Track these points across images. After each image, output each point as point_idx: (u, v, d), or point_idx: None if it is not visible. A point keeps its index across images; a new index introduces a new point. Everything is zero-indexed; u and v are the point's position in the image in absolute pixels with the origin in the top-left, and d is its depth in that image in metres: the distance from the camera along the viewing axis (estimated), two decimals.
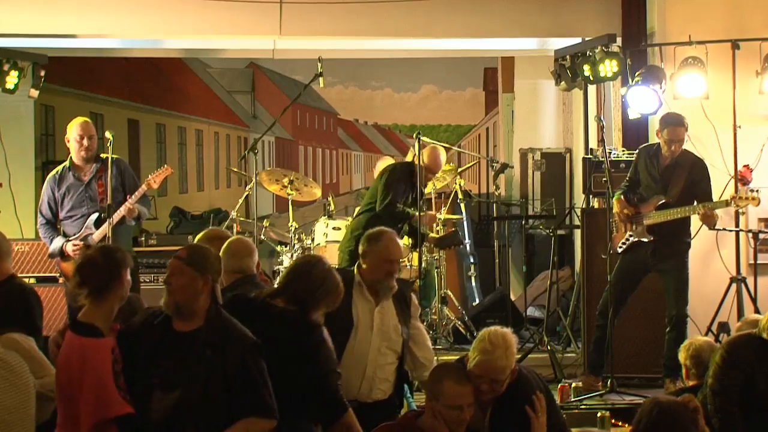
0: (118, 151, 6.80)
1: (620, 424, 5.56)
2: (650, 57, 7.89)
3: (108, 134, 6.63)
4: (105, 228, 6.57)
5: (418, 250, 7.57)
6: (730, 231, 7.36)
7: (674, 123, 6.63)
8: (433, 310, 8.19)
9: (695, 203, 6.51)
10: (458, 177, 9.06)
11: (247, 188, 8.62)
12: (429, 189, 8.65)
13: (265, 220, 8.72)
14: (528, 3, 8.34)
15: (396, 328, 5.06)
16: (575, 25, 8.31)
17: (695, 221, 6.65)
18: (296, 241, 8.39)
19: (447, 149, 8.40)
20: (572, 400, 6.47)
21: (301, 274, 4.43)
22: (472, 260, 9.28)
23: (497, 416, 4.23)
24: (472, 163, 11.61)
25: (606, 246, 6.77)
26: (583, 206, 7.80)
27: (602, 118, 7.10)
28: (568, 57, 7.94)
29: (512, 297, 8.90)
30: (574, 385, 6.65)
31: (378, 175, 7.87)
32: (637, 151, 7.07)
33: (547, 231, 8.75)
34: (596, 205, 7.88)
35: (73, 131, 6.75)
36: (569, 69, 7.92)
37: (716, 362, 4.78)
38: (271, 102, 18.03)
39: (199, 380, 3.79)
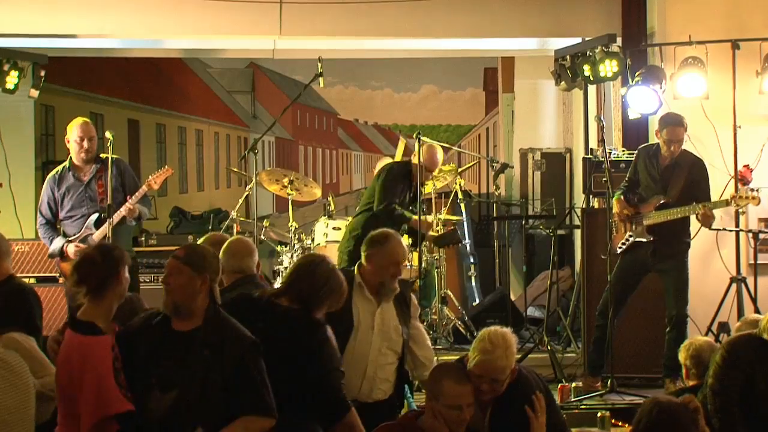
0: (118, 151, 6.80)
1: (620, 424, 5.56)
2: (650, 57, 7.89)
3: (108, 134, 6.63)
4: (105, 228, 6.57)
5: (418, 250, 7.57)
6: (731, 231, 7.36)
7: (673, 123, 6.64)
8: (433, 310, 8.19)
9: (694, 203, 6.51)
10: (458, 177, 9.06)
11: (247, 188, 8.62)
12: (429, 189, 8.64)
13: (265, 220, 8.72)
14: (528, 3, 8.34)
15: (396, 329, 5.06)
16: (575, 25, 8.31)
17: (695, 221, 6.65)
18: (296, 241, 8.39)
19: (447, 149, 8.41)
20: (572, 400, 6.47)
21: (305, 272, 4.43)
22: (472, 260, 9.28)
23: (497, 416, 4.23)
24: (472, 163, 11.59)
25: (606, 246, 6.77)
26: (583, 206, 7.80)
27: (602, 118, 7.10)
28: (568, 57, 7.94)
29: (512, 297, 8.90)
30: (574, 385, 6.65)
31: (375, 175, 7.88)
32: (636, 151, 7.07)
33: (547, 231, 8.75)
34: (596, 205, 7.88)
35: (73, 132, 6.74)
36: (569, 69, 7.91)
37: (716, 362, 4.78)
38: (271, 102, 18.02)
39: (196, 380, 3.79)
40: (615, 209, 6.77)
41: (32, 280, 8.00)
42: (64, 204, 6.79)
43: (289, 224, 8.44)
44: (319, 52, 7.91)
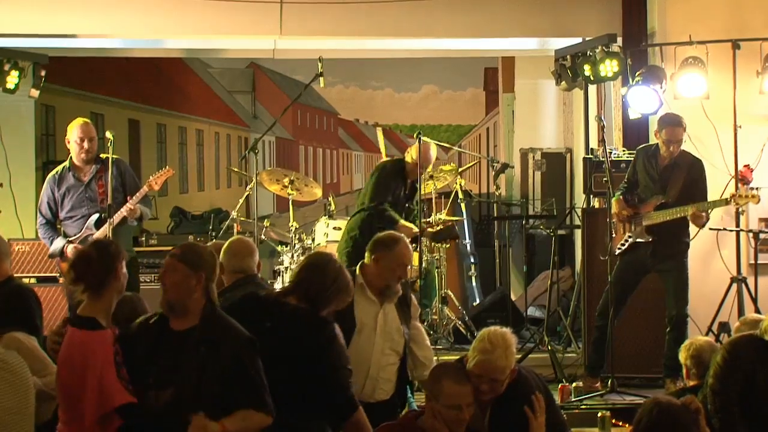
0: (118, 151, 6.81)
1: (621, 424, 5.55)
2: (651, 57, 7.89)
3: (108, 134, 6.63)
4: (105, 228, 6.57)
5: (418, 249, 7.56)
6: (731, 231, 7.36)
7: (672, 123, 6.64)
8: (434, 310, 8.19)
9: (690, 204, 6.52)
10: (459, 177, 9.05)
11: (247, 188, 8.62)
12: (430, 189, 8.64)
13: (265, 220, 8.72)
14: (529, 3, 8.33)
15: (398, 329, 5.08)
16: (576, 25, 8.31)
17: None
18: (297, 241, 8.39)
19: (447, 149, 8.42)
20: (573, 400, 6.47)
21: (313, 271, 4.42)
22: (472, 260, 9.28)
23: (497, 416, 4.23)
24: (473, 163, 11.59)
25: (605, 247, 6.77)
26: (584, 206, 7.80)
27: (603, 118, 7.11)
28: (568, 57, 7.94)
29: (513, 297, 8.90)
30: (574, 385, 6.65)
31: (370, 174, 7.89)
32: (635, 151, 7.07)
33: (548, 231, 8.75)
34: (597, 205, 7.88)
35: (73, 133, 6.75)
36: (570, 69, 7.91)
37: (717, 362, 4.78)
38: (271, 102, 18.03)
39: (192, 378, 3.79)
40: (614, 210, 6.77)
41: (32, 280, 8.02)
42: (65, 204, 6.79)
43: (290, 224, 8.44)
44: (319, 52, 7.91)
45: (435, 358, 5.47)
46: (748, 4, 7.77)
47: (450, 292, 8.37)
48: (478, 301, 9.02)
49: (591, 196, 7.86)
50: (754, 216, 7.60)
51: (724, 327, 6.96)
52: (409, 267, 5.17)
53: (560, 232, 8.72)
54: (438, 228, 8.13)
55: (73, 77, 13.14)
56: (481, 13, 8.34)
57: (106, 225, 6.55)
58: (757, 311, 6.75)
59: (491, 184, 9.97)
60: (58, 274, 7.27)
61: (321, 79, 7.77)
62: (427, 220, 8.14)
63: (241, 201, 8.66)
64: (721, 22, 7.66)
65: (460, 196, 9.11)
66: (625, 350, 7.04)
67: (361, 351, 4.88)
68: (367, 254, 5.10)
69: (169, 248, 4.13)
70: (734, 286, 7.11)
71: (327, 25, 8.25)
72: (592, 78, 7.73)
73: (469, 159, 12.28)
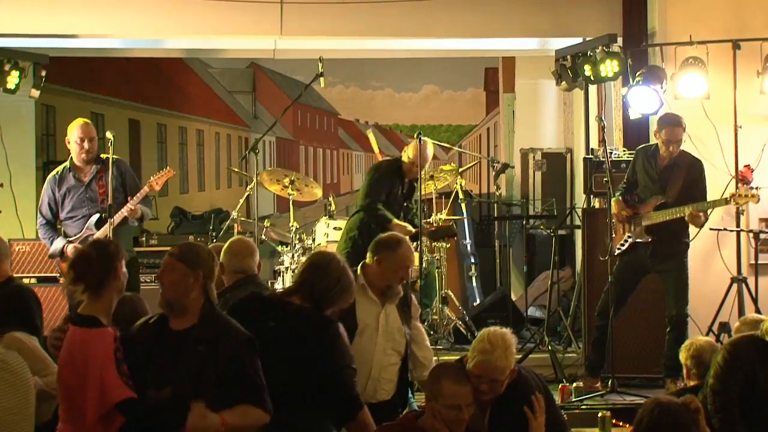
0: (119, 151, 6.80)
1: (621, 424, 5.55)
2: (651, 57, 7.89)
3: (109, 134, 6.63)
4: (106, 228, 6.57)
5: (418, 249, 7.56)
6: (731, 231, 7.36)
7: (672, 123, 6.64)
8: (434, 310, 8.19)
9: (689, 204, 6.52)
10: (459, 177, 9.05)
11: (248, 188, 8.62)
12: (430, 189, 8.64)
13: (266, 220, 8.72)
14: (529, 3, 8.33)
15: (400, 330, 5.09)
16: (576, 25, 8.31)
17: None
18: (297, 241, 8.39)
19: (448, 149, 8.43)
20: (573, 400, 6.47)
21: (317, 271, 4.42)
22: (472, 260, 9.28)
23: (497, 416, 4.23)
24: (473, 163, 11.61)
25: (605, 248, 6.77)
26: (584, 206, 7.80)
27: (603, 118, 7.10)
28: (569, 57, 7.93)
29: (513, 297, 8.91)
30: (575, 385, 6.65)
31: (365, 174, 7.89)
32: (635, 151, 7.08)
33: (548, 231, 8.75)
34: (597, 205, 7.88)
35: (73, 133, 6.75)
36: (570, 69, 7.91)
37: (718, 362, 4.78)
38: (271, 102, 18.05)
39: (190, 376, 3.78)
40: (613, 210, 6.77)
41: (33, 280, 8.02)
42: (65, 204, 6.79)
43: (290, 224, 8.44)
44: (319, 52, 7.91)
45: (435, 358, 5.48)
46: (748, 4, 7.77)
47: (450, 292, 8.37)
48: (478, 301, 9.02)
49: (591, 197, 7.86)
50: (755, 216, 7.60)
51: (725, 327, 6.96)
52: (411, 268, 5.17)
53: (560, 232, 8.72)
54: (436, 227, 8.13)
55: (73, 77, 13.15)
56: (481, 13, 8.34)
57: (107, 225, 6.55)
58: (758, 311, 6.75)
59: (492, 184, 9.97)
60: (58, 275, 7.27)
61: (321, 79, 7.77)
62: (428, 220, 8.14)
63: (241, 201, 8.67)
64: (722, 22, 7.66)
65: (461, 196, 9.11)
66: (625, 350, 7.03)
67: (363, 351, 4.88)
68: (369, 255, 5.10)
69: (170, 248, 4.13)
70: (734, 286, 7.11)
71: (327, 25, 8.24)
72: (592, 78, 7.72)
73: (470, 159, 12.29)
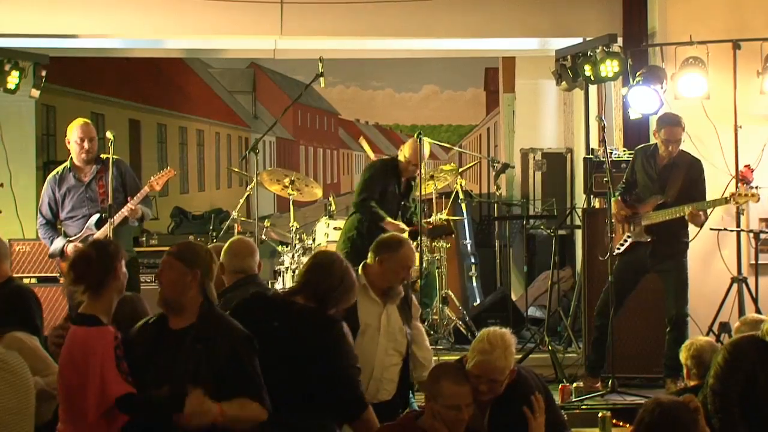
0: (119, 151, 6.81)
1: (621, 424, 5.55)
2: (651, 57, 7.89)
3: (109, 134, 6.63)
4: (106, 228, 6.57)
5: (418, 249, 7.56)
6: (732, 231, 7.36)
7: (671, 123, 6.64)
8: (434, 310, 8.19)
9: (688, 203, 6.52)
10: (459, 177, 9.05)
11: (248, 188, 8.62)
12: (430, 189, 8.64)
13: (266, 220, 8.72)
14: (529, 3, 8.33)
15: (401, 330, 5.09)
16: (576, 25, 8.31)
17: None
18: (297, 241, 8.39)
19: (448, 149, 8.42)
20: (573, 400, 6.47)
21: (320, 270, 4.41)
22: (473, 260, 9.28)
23: (496, 417, 4.23)
24: (473, 163, 11.60)
25: (605, 248, 6.77)
26: (584, 206, 7.80)
27: (603, 118, 7.10)
28: (569, 57, 7.93)
29: (513, 297, 8.90)
30: (575, 385, 6.65)
31: (361, 172, 7.90)
32: (634, 151, 7.08)
33: (548, 231, 8.75)
34: (597, 205, 7.87)
35: (73, 133, 6.75)
36: (570, 69, 7.91)
37: (718, 363, 4.78)
38: (272, 102, 18.05)
39: (189, 374, 3.78)
40: (613, 210, 6.76)
41: (33, 280, 8.02)
42: (65, 204, 6.79)
43: (290, 224, 8.44)
44: (320, 52, 7.91)
45: (435, 358, 5.48)
46: (748, 4, 7.77)
47: (450, 292, 8.37)
48: (478, 301, 9.02)
49: (591, 197, 7.86)
50: (755, 216, 7.59)
51: (725, 327, 6.96)
52: (412, 268, 5.17)
53: (561, 232, 8.72)
54: (433, 225, 8.13)
55: (73, 77, 13.15)
56: (481, 13, 8.34)
57: (107, 225, 6.55)
58: (758, 311, 6.75)
59: (492, 185, 9.97)
60: (59, 275, 7.27)
61: (322, 79, 7.77)
62: (427, 219, 8.14)
63: (241, 201, 8.67)
64: (722, 22, 7.66)
65: (461, 196, 9.11)
66: (625, 350, 7.03)
67: (365, 352, 4.88)
68: (370, 255, 5.10)
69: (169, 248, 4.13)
70: (735, 286, 7.10)
71: (327, 25, 8.25)
72: (592, 78, 7.72)
73: (470, 159, 12.29)
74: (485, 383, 4.14)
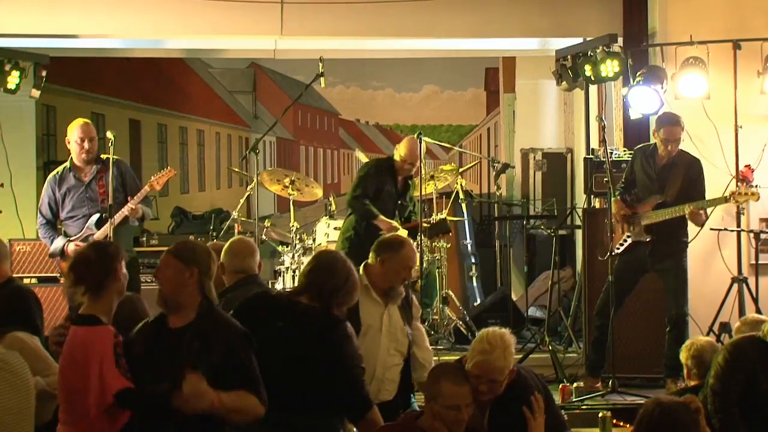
0: (119, 151, 6.81)
1: (622, 424, 5.55)
2: (651, 57, 7.89)
3: (109, 134, 6.64)
4: (107, 228, 6.57)
5: (418, 249, 7.56)
6: (732, 231, 7.36)
7: (670, 122, 6.65)
8: (435, 311, 8.18)
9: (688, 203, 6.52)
10: (460, 177, 9.05)
11: (248, 188, 8.63)
12: (431, 189, 8.64)
13: (266, 220, 8.72)
14: (529, 3, 8.34)
15: (403, 330, 5.09)
16: (576, 25, 8.31)
17: None
18: (297, 242, 8.39)
19: (448, 149, 8.41)
20: (574, 400, 6.47)
21: (325, 270, 4.38)
22: (473, 260, 9.28)
23: (496, 417, 4.22)
24: (474, 163, 11.58)
25: (604, 248, 6.77)
26: (585, 206, 7.80)
27: (603, 118, 7.11)
28: (569, 57, 7.93)
29: (513, 297, 8.90)
30: (575, 385, 6.65)
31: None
32: (633, 151, 7.08)
33: (549, 231, 8.75)
34: (597, 205, 7.87)
35: (73, 133, 6.75)
36: (570, 69, 7.91)
37: (719, 363, 4.78)
38: (272, 102, 18.04)
39: (179, 373, 3.78)
40: (612, 210, 6.77)
41: (33, 281, 8.02)
42: (65, 204, 6.79)
43: (291, 224, 8.44)
44: (320, 52, 7.91)
45: (436, 358, 5.47)
46: (748, 4, 7.77)
47: (451, 293, 8.37)
48: (478, 301, 9.02)
49: (592, 197, 7.86)
50: (755, 216, 7.59)
51: (725, 327, 6.96)
52: (413, 269, 5.17)
53: (561, 232, 8.72)
54: (429, 223, 8.12)
55: (73, 77, 13.15)
56: (481, 13, 8.35)
57: (107, 225, 6.56)
58: (758, 311, 6.75)
59: (492, 185, 9.97)
60: (59, 275, 7.27)
61: (322, 79, 7.77)
62: (427, 219, 8.14)
63: (241, 201, 8.67)
64: (722, 23, 7.66)
65: (461, 196, 9.10)
66: (626, 350, 7.03)
67: (367, 352, 4.85)
68: (371, 255, 5.10)
69: None
70: (735, 286, 7.10)
71: (328, 25, 8.25)
72: (592, 78, 7.72)
73: (470, 159, 12.28)
74: (485, 383, 4.13)
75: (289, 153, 19.61)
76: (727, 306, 7.08)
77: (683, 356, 5.38)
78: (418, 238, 7.29)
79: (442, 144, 10.59)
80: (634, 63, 7.63)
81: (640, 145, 7.02)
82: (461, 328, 8.07)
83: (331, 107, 19.06)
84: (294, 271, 8.15)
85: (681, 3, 7.82)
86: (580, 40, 8.05)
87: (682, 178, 6.62)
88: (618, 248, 6.75)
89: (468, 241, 9.30)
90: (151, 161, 15.55)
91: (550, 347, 7.52)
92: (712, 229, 7.29)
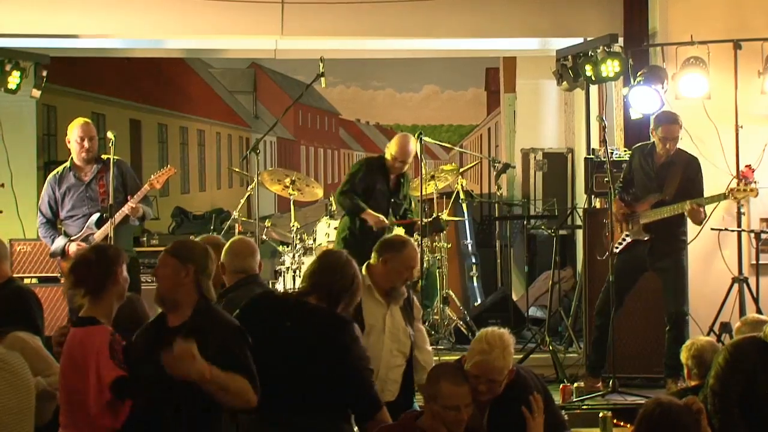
0: (119, 151, 6.81)
1: (622, 424, 5.54)
2: (652, 57, 7.88)
3: (110, 134, 6.64)
4: (107, 228, 6.57)
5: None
6: (732, 231, 7.35)
7: (668, 121, 6.65)
8: (435, 311, 8.18)
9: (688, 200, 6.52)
10: (460, 177, 9.05)
11: (248, 188, 8.62)
12: (431, 189, 8.63)
13: (266, 220, 8.71)
14: (530, 3, 8.33)
15: (405, 331, 5.09)
16: (577, 25, 8.31)
17: None
18: (298, 241, 8.39)
19: (448, 149, 8.41)
20: (574, 400, 6.47)
21: (333, 270, 4.36)
22: (473, 260, 9.28)
23: (495, 417, 4.22)
24: (474, 163, 11.60)
25: (603, 249, 6.76)
26: (585, 206, 7.80)
27: (604, 118, 7.11)
28: (570, 57, 7.93)
29: (514, 297, 8.90)
30: (576, 385, 6.65)
31: None
32: (631, 150, 7.08)
33: (549, 231, 8.75)
34: (598, 205, 7.87)
35: (73, 132, 6.76)
36: (571, 69, 7.91)
37: (719, 363, 4.78)
38: (272, 102, 18.06)
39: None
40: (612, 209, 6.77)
41: (34, 281, 8.02)
42: (65, 203, 6.79)
43: (291, 224, 8.44)
44: (321, 52, 7.90)
45: (436, 358, 5.47)
46: (749, 4, 7.77)
47: (451, 293, 8.37)
48: (479, 301, 9.02)
49: (592, 197, 7.86)
50: (756, 216, 7.59)
51: (726, 327, 6.95)
52: (415, 269, 5.16)
53: (561, 232, 8.71)
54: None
55: (74, 77, 13.16)
56: (482, 13, 8.34)
57: (107, 224, 6.56)
58: (759, 311, 6.74)
59: (493, 185, 9.96)
60: (59, 275, 7.27)
61: (322, 79, 7.76)
62: (427, 219, 8.13)
63: (242, 201, 8.68)
64: (723, 22, 7.65)
65: (462, 196, 9.10)
66: (626, 350, 7.03)
67: (371, 352, 4.82)
68: (374, 255, 5.10)
69: None
70: (736, 286, 7.10)
71: (328, 25, 8.25)
72: (593, 78, 7.72)
73: (471, 159, 12.29)
74: (484, 383, 4.13)
75: (289, 153, 19.62)
76: (727, 306, 7.08)
77: (684, 356, 5.38)
78: (419, 238, 7.29)
79: (443, 144, 10.59)
80: (635, 63, 7.63)
81: (638, 144, 7.02)
82: (462, 328, 8.07)
83: (332, 107, 19.08)
84: (294, 272, 8.15)
85: (681, 3, 7.82)
86: (580, 40, 8.05)
87: (681, 177, 6.62)
88: (617, 247, 6.75)
89: (468, 241, 9.30)
90: (151, 161, 15.56)
91: (551, 347, 7.52)
92: (712, 229, 7.29)
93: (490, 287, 9.35)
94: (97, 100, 14.43)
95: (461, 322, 8.11)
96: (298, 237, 8.43)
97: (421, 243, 7.42)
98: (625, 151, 7.72)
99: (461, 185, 9.07)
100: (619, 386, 6.53)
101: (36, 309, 5.14)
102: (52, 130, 12.56)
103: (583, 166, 8.22)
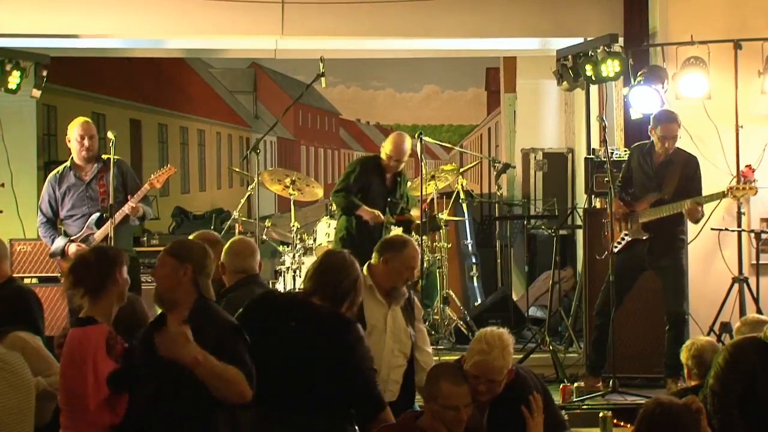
0: (120, 151, 6.81)
1: (622, 424, 5.54)
2: (652, 57, 7.89)
3: (110, 134, 6.64)
4: (107, 228, 6.57)
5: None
6: (733, 231, 7.35)
7: (667, 120, 6.65)
8: (435, 311, 8.18)
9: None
10: (460, 177, 9.05)
11: (249, 188, 8.62)
12: (431, 189, 8.63)
13: (267, 220, 8.72)
14: (530, 3, 8.33)
15: (406, 331, 5.09)
16: (577, 25, 8.31)
17: None
18: (298, 241, 8.39)
19: (449, 149, 8.40)
20: (574, 400, 6.46)
21: (337, 270, 4.35)
22: (474, 260, 9.28)
23: (495, 417, 4.22)
24: (474, 163, 11.59)
25: (602, 249, 6.76)
26: (585, 206, 7.80)
27: (604, 118, 7.11)
28: (570, 57, 7.93)
29: (514, 297, 8.90)
30: (576, 385, 6.64)
31: None
32: (630, 149, 7.08)
33: (549, 231, 8.75)
34: (598, 205, 7.87)
35: (73, 131, 6.76)
36: (571, 69, 7.91)
37: (719, 363, 4.78)
38: (273, 102, 18.05)
39: (176, 368, 3.78)
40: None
41: (34, 280, 8.03)
42: (65, 203, 6.80)
43: (291, 224, 8.44)
44: (321, 52, 7.90)
45: (436, 358, 5.46)
46: (749, 4, 7.77)
47: (451, 293, 8.37)
48: (479, 301, 9.02)
49: (592, 196, 7.86)
50: (756, 216, 7.60)
51: (726, 327, 6.95)
52: (416, 269, 5.16)
53: (562, 232, 8.71)
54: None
55: (74, 77, 13.16)
56: (482, 13, 8.34)
57: (108, 224, 6.56)
58: (759, 311, 6.75)
59: (493, 185, 9.97)
60: (59, 274, 7.27)
61: (323, 79, 7.76)
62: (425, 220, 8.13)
63: (242, 201, 8.68)
64: (723, 22, 7.66)
65: (462, 196, 9.10)
66: (626, 350, 7.03)
67: (373, 352, 4.85)
68: (375, 255, 5.10)
69: None
70: (736, 286, 7.10)
71: (328, 25, 8.25)
72: (593, 78, 7.72)
73: (471, 159, 12.29)
74: (483, 383, 4.13)
75: (289, 153, 19.62)
76: (727, 306, 7.08)
77: (684, 356, 5.38)
78: (419, 238, 7.29)
79: (443, 144, 10.58)
80: (635, 63, 7.63)
81: (637, 143, 7.02)
82: (462, 328, 8.06)
83: (332, 107, 19.07)
84: (294, 272, 8.15)
85: (682, 3, 7.82)
86: (580, 40, 8.05)
87: (679, 176, 6.62)
88: (616, 246, 6.74)
89: (469, 241, 9.30)
90: (151, 161, 15.56)
91: (551, 347, 7.52)
92: (712, 229, 7.29)
93: (490, 287, 9.35)
94: (97, 100, 14.43)
95: (461, 322, 8.11)
96: (299, 237, 8.42)
97: (422, 243, 7.42)
98: (625, 151, 7.72)
99: (461, 185, 9.07)
100: (619, 386, 6.53)
101: (36, 309, 5.14)
102: (53, 130, 12.56)
103: (583, 166, 8.23)
